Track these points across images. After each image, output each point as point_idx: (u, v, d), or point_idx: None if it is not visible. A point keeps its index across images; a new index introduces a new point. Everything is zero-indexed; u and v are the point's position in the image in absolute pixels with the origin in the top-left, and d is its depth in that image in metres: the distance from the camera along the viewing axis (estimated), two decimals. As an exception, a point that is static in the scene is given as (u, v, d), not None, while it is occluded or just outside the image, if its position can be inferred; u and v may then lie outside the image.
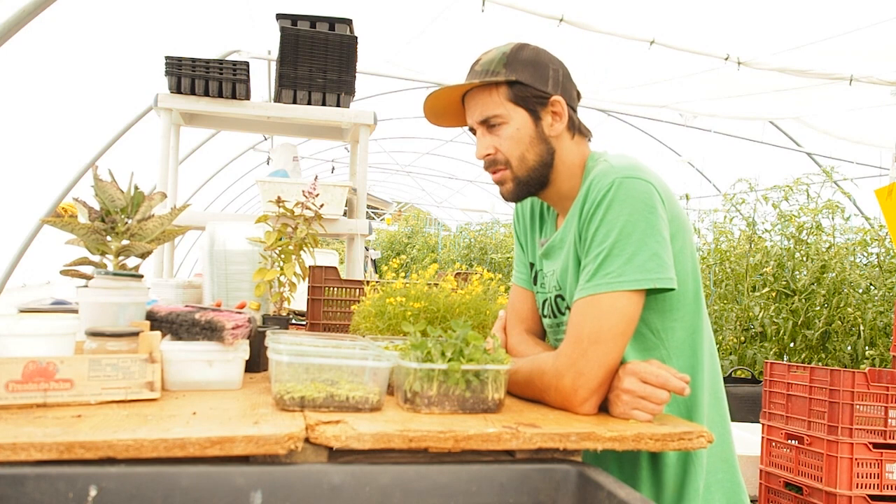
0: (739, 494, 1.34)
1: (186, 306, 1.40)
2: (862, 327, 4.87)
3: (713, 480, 1.30)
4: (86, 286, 1.40)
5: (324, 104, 2.85)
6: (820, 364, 4.97)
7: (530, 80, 1.31)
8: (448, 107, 1.40)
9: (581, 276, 1.25)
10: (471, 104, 1.36)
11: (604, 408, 1.20)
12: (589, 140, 1.41)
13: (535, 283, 1.50)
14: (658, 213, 1.22)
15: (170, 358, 1.21)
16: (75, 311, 1.52)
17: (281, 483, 0.93)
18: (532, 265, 1.51)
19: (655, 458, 1.29)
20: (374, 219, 14.99)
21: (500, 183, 1.37)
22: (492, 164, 1.35)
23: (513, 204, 1.50)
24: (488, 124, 1.33)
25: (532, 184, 1.35)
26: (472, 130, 1.39)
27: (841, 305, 5.03)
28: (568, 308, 1.35)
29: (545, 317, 1.46)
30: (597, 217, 1.23)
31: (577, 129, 1.38)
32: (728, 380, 4.56)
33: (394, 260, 2.24)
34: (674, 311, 1.30)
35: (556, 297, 1.39)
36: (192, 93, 2.72)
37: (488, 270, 2.37)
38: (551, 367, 1.21)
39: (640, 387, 1.14)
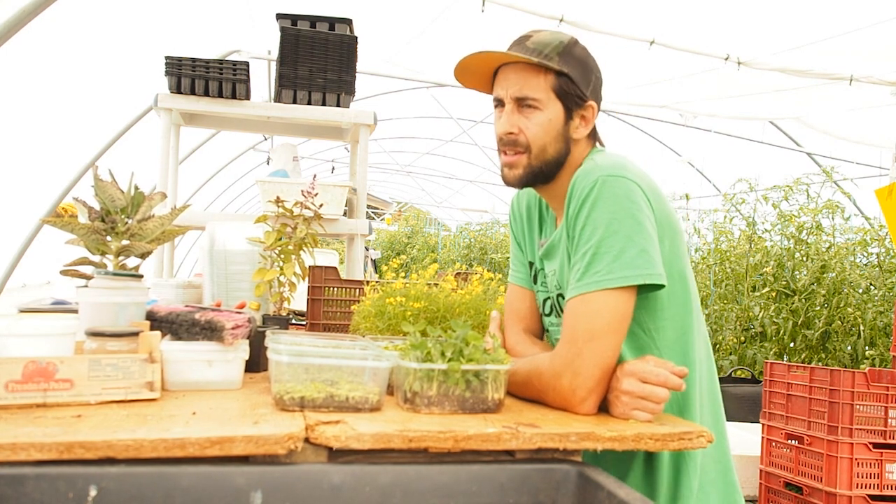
0: (734, 495, 1.34)
1: (186, 306, 1.40)
2: (862, 327, 4.86)
3: (706, 480, 1.30)
4: (86, 286, 1.40)
5: (324, 104, 2.85)
6: (820, 364, 4.97)
7: (577, 79, 1.31)
8: (481, 67, 1.35)
9: (571, 276, 1.25)
10: (511, 77, 1.31)
11: (604, 408, 1.20)
12: (600, 146, 1.42)
13: (535, 283, 1.49)
14: (643, 210, 1.21)
15: (170, 358, 1.21)
16: (75, 311, 1.52)
17: (281, 483, 0.93)
18: (532, 264, 1.51)
19: (649, 458, 1.28)
20: (374, 219, 14.99)
21: (510, 166, 1.33)
22: (510, 144, 1.32)
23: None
24: (523, 103, 1.30)
25: (540, 176, 1.34)
26: (499, 101, 1.34)
27: (841, 305, 5.03)
28: None
29: (548, 315, 1.45)
30: (582, 215, 1.23)
31: (593, 136, 1.39)
32: (728, 380, 4.56)
33: (394, 260, 2.24)
34: (663, 311, 1.29)
35: (558, 296, 1.39)
36: (192, 93, 2.71)
37: (488, 270, 2.38)
38: (548, 367, 1.21)
39: (640, 387, 1.14)
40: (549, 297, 1.44)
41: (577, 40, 1.35)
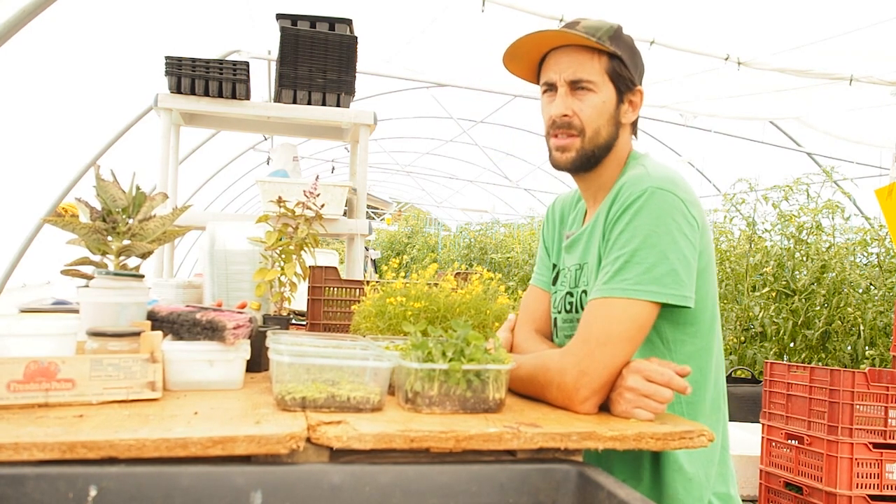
0: (735, 501, 1.34)
1: (187, 306, 1.40)
2: (862, 327, 4.86)
3: (713, 493, 1.31)
4: (87, 286, 1.40)
5: (324, 104, 2.85)
6: (820, 364, 4.97)
7: (628, 62, 1.32)
8: (531, 52, 1.34)
9: (598, 277, 1.25)
10: (563, 60, 1.31)
11: (604, 408, 1.20)
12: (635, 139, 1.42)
13: (554, 284, 1.49)
14: (684, 230, 1.21)
15: (171, 358, 1.21)
16: (76, 311, 1.52)
17: (281, 483, 0.93)
18: (555, 265, 1.51)
19: (657, 473, 1.28)
20: (374, 219, 14.98)
21: (563, 149, 1.33)
22: (564, 127, 1.32)
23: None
24: (577, 86, 1.30)
25: (592, 160, 1.34)
26: (550, 86, 1.33)
27: (841, 305, 5.03)
28: None
29: (562, 312, 1.45)
30: (623, 220, 1.23)
31: (634, 125, 1.40)
32: (728, 380, 4.55)
33: (394, 260, 2.24)
34: (688, 326, 1.29)
35: (582, 292, 1.38)
36: (192, 93, 2.71)
37: (488, 270, 2.37)
38: (556, 363, 1.21)
39: (644, 385, 1.14)
40: (563, 293, 1.43)
41: (622, 28, 1.35)
